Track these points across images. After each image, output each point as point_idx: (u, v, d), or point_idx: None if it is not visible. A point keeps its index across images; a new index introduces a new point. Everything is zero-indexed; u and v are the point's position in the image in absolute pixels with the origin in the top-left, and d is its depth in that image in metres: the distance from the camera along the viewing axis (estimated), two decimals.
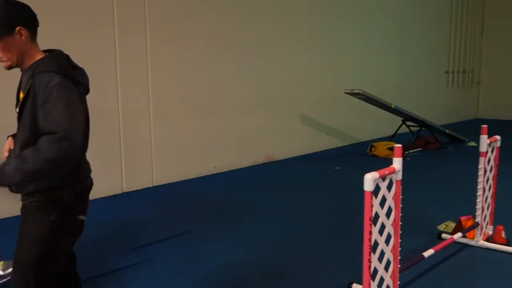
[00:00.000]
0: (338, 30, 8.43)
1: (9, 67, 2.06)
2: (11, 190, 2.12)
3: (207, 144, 6.45)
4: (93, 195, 5.55)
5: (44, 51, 2.12)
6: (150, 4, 5.61)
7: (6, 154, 2.19)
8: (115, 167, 5.45)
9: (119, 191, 5.50)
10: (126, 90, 5.47)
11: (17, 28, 1.98)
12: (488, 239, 3.90)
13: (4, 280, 2.55)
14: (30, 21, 2.05)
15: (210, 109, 6.44)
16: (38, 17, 2.15)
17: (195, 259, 3.66)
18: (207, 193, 5.60)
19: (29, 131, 1.96)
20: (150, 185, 5.82)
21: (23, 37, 2.01)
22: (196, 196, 5.48)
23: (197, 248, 3.86)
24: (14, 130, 2.17)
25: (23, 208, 2.13)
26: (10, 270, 2.54)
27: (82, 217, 2.25)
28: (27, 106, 1.97)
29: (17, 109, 2.03)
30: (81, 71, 2.21)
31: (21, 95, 2.03)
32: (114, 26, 5.30)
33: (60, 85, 1.93)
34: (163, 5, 5.75)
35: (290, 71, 7.55)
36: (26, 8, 2.05)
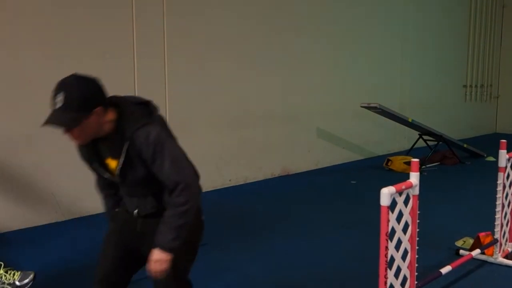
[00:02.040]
0: (356, 43, 8.44)
1: (82, 143, 2.02)
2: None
3: (222, 156, 6.47)
4: None
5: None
6: (168, 14, 5.70)
7: None
8: None
9: None
10: None
11: (96, 109, 1.87)
12: (508, 256, 3.83)
13: None
14: (104, 96, 1.94)
15: (225, 122, 6.47)
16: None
17: (213, 272, 3.66)
18: (224, 206, 5.60)
19: (156, 180, 2.04)
20: None
21: (100, 116, 1.91)
22: (213, 209, 5.47)
23: (215, 261, 3.86)
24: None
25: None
26: (26, 281, 2.56)
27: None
28: (132, 167, 2.00)
29: (117, 175, 2.04)
30: (153, 104, 2.17)
31: (112, 163, 2.06)
32: (133, 35, 5.39)
33: (157, 135, 2.00)
34: (181, 14, 5.83)
35: (306, 84, 7.57)
36: (98, 83, 1.95)
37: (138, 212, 2.17)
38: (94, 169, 2.15)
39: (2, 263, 2.66)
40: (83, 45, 4.99)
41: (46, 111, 1.67)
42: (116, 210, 2.32)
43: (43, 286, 3.28)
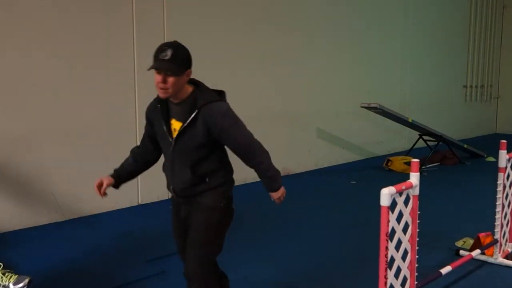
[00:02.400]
0: (356, 44, 8.44)
1: (166, 97, 2.38)
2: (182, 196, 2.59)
3: None
4: (110, 206, 5.64)
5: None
6: (168, 12, 5.70)
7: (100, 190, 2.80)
8: None
9: (135, 203, 5.55)
10: (143, 103, 5.54)
11: (188, 71, 2.38)
12: (508, 256, 3.83)
13: None
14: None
15: None
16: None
17: None
18: None
19: (201, 153, 2.45)
20: (166, 198, 5.86)
21: (187, 77, 2.39)
22: None
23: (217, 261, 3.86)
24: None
25: (194, 198, 2.52)
26: (20, 285, 2.56)
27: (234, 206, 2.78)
28: (190, 134, 2.39)
29: (176, 136, 2.41)
30: (225, 93, 2.68)
31: (176, 124, 2.42)
32: (133, 36, 5.39)
33: (229, 109, 2.51)
34: (182, 13, 5.83)
35: (306, 84, 7.57)
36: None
37: (173, 188, 2.56)
38: (158, 125, 2.47)
39: (1, 264, 2.66)
40: (84, 45, 4.99)
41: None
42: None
43: (43, 287, 3.28)
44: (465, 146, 8.74)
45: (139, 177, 5.79)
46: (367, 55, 8.73)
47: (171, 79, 2.29)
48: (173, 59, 2.28)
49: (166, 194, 5.86)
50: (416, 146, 8.56)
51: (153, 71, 2.30)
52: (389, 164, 7.75)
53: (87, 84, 5.07)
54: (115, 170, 2.81)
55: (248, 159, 2.59)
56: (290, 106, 7.36)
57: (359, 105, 7.67)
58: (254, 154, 2.58)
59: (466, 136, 11.37)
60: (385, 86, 9.15)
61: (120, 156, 5.93)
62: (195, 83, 2.49)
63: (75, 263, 3.81)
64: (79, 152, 5.04)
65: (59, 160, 4.90)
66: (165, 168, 2.62)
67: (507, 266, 3.71)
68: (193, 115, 2.36)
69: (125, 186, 5.68)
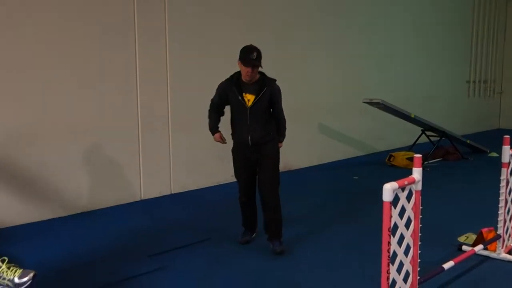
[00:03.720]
0: (358, 39, 8.41)
1: (249, 81, 3.81)
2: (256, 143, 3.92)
3: (224, 152, 6.46)
4: (112, 202, 5.64)
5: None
6: (170, 10, 5.69)
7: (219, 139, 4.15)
8: (133, 174, 5.51)
9: (137, 199, 5.56)
10: (145, 99, 5.54)
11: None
12: (511, 251, 3.82)
13: None
14: None
15: (227, 118, 6.45)
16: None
17: (215, 266, 3.67)
18: (226, 201, 5.61)
19: (267, 115, 3.91)
20: (168, 193, 5.87)
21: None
22: (214, 204, 5.50)
23: (217, 256, 3.87)
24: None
25: (264, 144, 3.93)
26: (25, 279, 2.57)
27: None
28: (261, 102, 3.83)
29: (252, 104, 3.82)
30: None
31: (250, 97, 3.82)
32: (135, 31, 5.38)
33: (280, 89, 3.99)
34: (183, 11, 5.82)
35: (308, 79, 7.55)
36: None
37: (250, 138, 3.86)
38: (234, 97, 3.84)
39: (6, 258, 2.67)
40: (85, 43, 4.99)
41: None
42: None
43: (46, 281, 3.30)
44: (468, 141, 8.72)
45: (142, 173, 5.83)
46: (370, 50, 8.70)
47: (255, 70, 3.75)
48: (258, 58, 3.74)
49: (168, 189, 5.87)
50: (418, 142, 8.54)
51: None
52: (391, 159, 7.74)
53: (90, 80, 5.07)
54: (215, 126, 4.13)
55: (279, 122, 4.02)
56: (292, 101, 7.32)
57: (361, 101, 7.65)
58: (282, 121, 4.08)
59: (469, 131, 11.34)
60: (388, 82, 9.12)
61: (123, 151, 5.98)
62: (260, 72, 3.89)
63: (78, 257, 3.83)
64: (82, 147, 5.05)
65: (62, 155, 4.91)
66: (239, 125, 3.91)
67: (510, 261, 3.71)
68: (264, 90, 3.80)
69: (127, 182, 5.71)
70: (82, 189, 5.08)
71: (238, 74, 3.89)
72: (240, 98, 3.81)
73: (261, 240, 4.24)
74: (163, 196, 5.76)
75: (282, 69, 7.11)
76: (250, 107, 3.80)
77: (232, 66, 6.38)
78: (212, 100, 4.06)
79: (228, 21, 6.36)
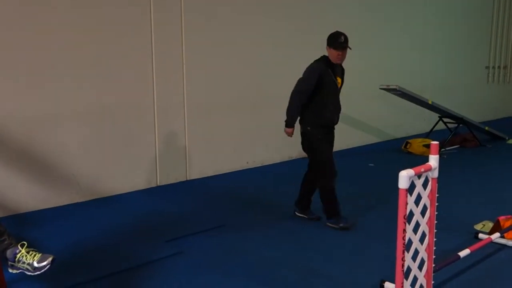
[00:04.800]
0: (376, 25, 8.29)
1: (339, 63, 4.24)
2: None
3: (240, 139, 6.49)
4: (129, 187, 5.70)
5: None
6: (186, 5, 5.68)
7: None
8: (150, 160, 5.56)
9: (153, 185, 5.62)
10: (161, 85, 5.57)
11: None
12: None
13: (38, 272, 2.65)
14: None
15: (243, 105, 6.47)
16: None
17: (230, 253, 3.70)
18: (241, 188, 5.64)
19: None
20: (184, 179, 5.92)
21: None
22: (230, 190, 5.53)
23: (233, 242, 3.91)
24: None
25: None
26: (44, 263, 2.63)
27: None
28: (343, 84, 4.37)
29: (339, 87, 4.30)
30: None
31: (339, 79, 4.28)
32: (151, 17, 5.39)
33: None
34: (199, 8, 5.80)
35: None
36: None
37: (337, 118, 4.31)
38: (329, 79, 4.15)
39: (25, 242, 2.73)
40: (102, 30, 5.02)
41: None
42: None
43: (64, 266, 3.38)
44: (486, 128, 8.59)
45: (158, 159, 5.88)
46: (387, 37, 8.57)
47: (345, 52, 4.16)
48: (346, 41, 4.10)
49: (184, 176, 5.92)
50: (435, 129, 8.44)
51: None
52: (408, 146, 7.67)
53: (108, 68, 5.10)
54: (296, 119, 4.30)
55: None
56: None
57: (378, 87, 7.57)
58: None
59: (488, 118, 11.15)
60: (405, 68, 8.99)
61: (139, 137, 6.03)
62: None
63: (96, 242, 3.90)
64: (99, 134, 5.11)
65: (80, 141, 4.97)
66: (329, 107, 4.19)
67: None
68: (343, 74, 4.37)
69: (144, 168, 5.77)
70: (99, 175, 5.15)
71: (326, 58, 4.20)
72: (334, 79, 4.16)
73: (274, 228, 4.27)
74: (179, 182, 5.82)
75: (297, 56, 7.06)
76: (339, 89, 4.29)
77: (247, 52, 6.39)
78: (303, 90, 4.16)
79: (245, 6, 6.32)
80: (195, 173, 6.00)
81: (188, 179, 5.94)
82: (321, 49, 7.91)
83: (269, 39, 6.66)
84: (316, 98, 4.15)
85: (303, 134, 4.33)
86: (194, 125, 5.92)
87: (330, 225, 4.21)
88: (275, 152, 6.93)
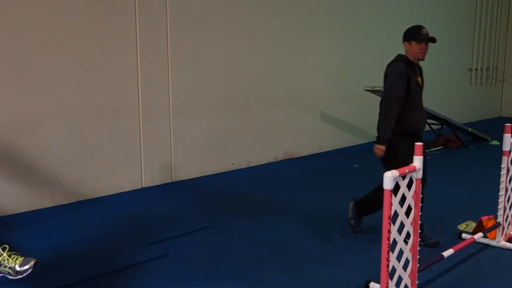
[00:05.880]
0: (360, 26, 8.35)
1: (423, 59, 3.81)
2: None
3: (226, 140, 6.48)
4: (114, 189, 5.64)
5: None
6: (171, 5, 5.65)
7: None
8: (135, 162, 5.52)
9: (138, 186, 5.57)
10: (146, 85, 5.53)
11: None
12: (510, 239, 3.84)
13: (20, 276, 2.60)
14: None
15: (229, 106, 6.46)
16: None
17: (216, 254, 3.69)
18: (227, 189, 5.63)
19: None
20: (169, 181, 5.88)
21: None
22: (216, 192, 5.51)
23: (218, 243, 3.89)
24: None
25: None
26: (26, 267, 2.59)
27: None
28: (423, 84, 3.85)
29: (421, 88, 3.83)
30: None
31: (419, 79, 3.81)
32: (136, 18, 5.35)
33: None
34: (184, 4, 5.78)
35: (310, 67, 7.52)
36: None
37: (422, 126, 3.83)
38: (414, 81, 3.71)
39: (7, 246, 2.69)
40: (85, 30, 4.96)
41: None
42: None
43: (47, 269, 3.33)
44: (469, 129, 8.70)
45: (143, 160, 5.83)
46: (372, 38, 8.64)
47: (428, 46, 3.73)
48: (428, 33, 3.73)
49: (170, 177, 5.89)
50: None
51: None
52: None
53: (92, 67, 5.05)
54: (389, 136, 3.74)
55: None
56: (294, 89, 7.33)
57: (363, 88, 7.63)
58: None
59: (471, 119, 11.30)
60: None
61: (124, 138, 5.98)
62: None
63: (80, 245, 3.85)
64: (83, 135, 5.05)
65: (63, 143, 4.91)
66: (414, 112, 3.72)
67: (509, 249, 3.73)
68: (421, 73, 3.87)
69: (128, 170, 5.72)
70: (83, 177, 5.09)
71: (403, 57, 3.80)
72: (416, 80, 3.74)
73: (260, 229, 4.26)
74: (165, 184, 5.78)
75: (284, 58, 7.08)
76: (421, 89, 3.84)
77: (233, 53, 6.38)
78: (395, 97, 3.68)
79: (230, 7, 6.31)
80: (180, 175, 5.97)
81: (173, 180, 5.90)
82: (306, 50, 7.90)
83: (256, 41, 6.67)
84: (405, 102, 3.71)
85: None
86: (179, 126, 5.89)
87: (352, 222, 4.01)
88: (261, 153, 6.93)
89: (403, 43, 3.83)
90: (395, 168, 3.34)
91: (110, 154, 5.28)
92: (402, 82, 3.67)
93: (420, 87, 3.80)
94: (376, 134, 3.85)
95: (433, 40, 3.73)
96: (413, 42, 3.73)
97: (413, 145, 3.41)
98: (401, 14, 9.31)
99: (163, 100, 5.73)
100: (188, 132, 6.00)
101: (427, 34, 3.73)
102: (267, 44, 6.82)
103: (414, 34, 3.74)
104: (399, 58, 3.81)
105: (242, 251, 3.74)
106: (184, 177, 6.01)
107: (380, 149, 3.70)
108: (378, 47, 8.80)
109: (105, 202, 5.05)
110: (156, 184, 5.71)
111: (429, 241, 3.77)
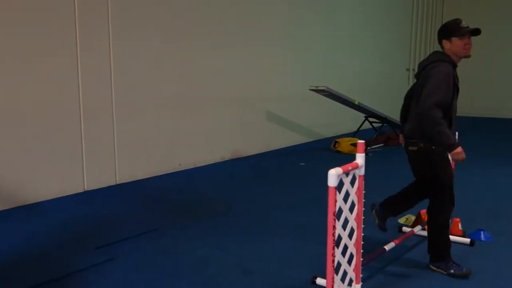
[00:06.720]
0: (305, 27, 8.51)
1: (470, 55, 3.25)
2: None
3: (172, 140, 6.40)
4: (55, 193, 5.43)
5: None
6: (113, 7, 5.50)
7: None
8: (76, 164, 5.33)
9: (80, 190, 5.39)
10: (87, 85, 5.35)
11: None
12: None
13: None
14: None
15: (175, 105, 6.39)
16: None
17: (164, 256, 3.64)
18: (173, 190, 5.56)
19: None
20: (113, 183, 5.73)
21: None
22: (162, 193, 5.43)
23: (166, 245, 3.84)
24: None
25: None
26: None
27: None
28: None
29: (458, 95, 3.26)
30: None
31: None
32: (75, 15, 5.16)
33: None
34: (127, 6, 5.64)
35: (256, 67, 7.58)
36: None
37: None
38: (458, 84, 3.22)
39: None
40: (26, 28, 4.74)
41: None
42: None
43: None
44: None
45: (85, 163, 5.64)
46: (317, 40, 8.83)
47: (471, 40, 3.21)
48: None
49: (114, 180, 5.74)
50: (362, 128, 8.81)
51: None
52: (336, 145, 7.94)
53: (27, 69, 4.82)
54: (454, 138, 3.18)
55: None
56: (241, 89, 7.35)
57: (308, 88, 7.78)
58: None
59: None
60: (334, 70, 9.31)
61: (64, 140, 5.76)
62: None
63: (20, 253, 3.67)
64: (21, 138, 4.81)
65: (0, 146, 4.67)
66: (453, 119, 3.25)
67: None
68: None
69: (70, 173, 5.51)
70: (23, 182, 4.86)
71: (447, 57, 3.24)
72: (458, 86, 3.24)
73: (208, 229, 4.25)
74: (109, 187, 5.62)
75: (229, 57, 7.09)
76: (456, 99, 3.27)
77: (179, 52, 6.30)
78: (438, 104, 3.07)
79: (175, 4, 6.23)
80: (125, 177, 5.83)
81: (118, 182, 5.76)
82: (253, 50, 7.94)
83: (203, 40, 6.63)
84: (448, 108, 3.21)
85: (417, 152, 3.31)
86: (123, 126, 5.75)
87: (436, 269, 3.34)
88: (208, 153, 6.91)
89: (441, 42, 3.28)
90: (441, 181, 3.22)
91: (50, 157, 5.08)
92: (450, 86, 3.13)
93: (459, 91, 3.27)
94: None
95: (477, 31, 3.19)
96: (453, 39, 3.19)
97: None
98: (344, 18, 9.58)
99: (106, 99, 5.57)
100: (133, 132, 5.87)
101: (468, 26, 3.19)
102: (214, 45, 6.80)
103: (455, 29, 3.19)
104: (443, 58, 3.22)
105: (190, 253, 3.71)
106: (130, 179, 5.87)
107: (458, 153, 3.08)
108: (322, 48, 9.01)
109: (46, 207, 4.85)
110: (100, 187, 5.54)
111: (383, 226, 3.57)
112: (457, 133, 3.26)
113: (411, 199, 3.60)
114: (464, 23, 3.19)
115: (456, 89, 3.21)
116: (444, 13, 13.55)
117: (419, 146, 3.26)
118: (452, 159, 3.17)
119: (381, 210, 3.57)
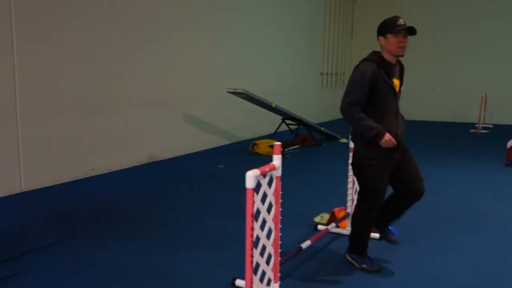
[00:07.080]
0: (223, 30, 8.52)
1: (403, 54, 3.22)
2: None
3: (84, 144, 6.09)
4: None
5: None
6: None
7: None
8: None
9: None
10: (24, 85, 4.93)
11: None
12: None
13: None
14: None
15: (87, 107, 6.08)
16: None
17: (75, 267, 3.43)
18: (86, 197, 5.29)
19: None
20: (18, 191, 5.33)
21: None
22: (72, 201, 5.14)
23: (78, 256, 3.63)
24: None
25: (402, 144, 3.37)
26: None
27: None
28: (402, 86, 3.34)
29: (398, 91, 3.29)
30: None
31: (396, 81, 3.26)
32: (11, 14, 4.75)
33: None
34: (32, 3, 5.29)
35: (172, 69, 7.45)
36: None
37: (400, 132, 3.26)
38: (387, 83, 3.20)
39: None
40: None
41: None
42: None
43: None
44: (322, 129, 9.46)
45: None
46: (234, 43, 8.88)
47: (406, 39, 3.19)
48: (405, 24, 3.18)
49: (19, 187, 5.34)
50: (280, 130, 9.01)
51: None
52: (254, 147, 8.04)
53: None
54: (378, 125, 3.18)
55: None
56: (156, 91, 7.19)
57: (226, 90, 7.80)
58: None
59: (323, 119, 12.30)
60: (251, 73, 9.43)
61: None
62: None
63: None
64: None
65: None
66: (386, 120, 3.22)
67: None
68: (403, 72, 3.35)
69: None
70: None
71: (377, 55, 3.24)
72: (390, 83, 3.20)
73: (122, 237, 4.09)
74: (12, 195, 5.21)
75: (145, 58, 6.90)
76: (397, 94, 3.27)
77: (93, 51, 6.01)
78: (352, 102, 3.15)
79: (90, 5, 5.94)
80: (31, 184, 5.44)
81: (23, 190, 5.36)
82: (169, 52, 7.81)
83: (116, 42, 6.38)
84: (368, 109, 3.20)
85: (353, 157, 3.40)
86: (29, 130, 5.37)
87: (350, 259, 3.48)
88: (123, 157, 6.66)
89: (378, 38, 3.26)
90: (366, 184, 3.24)
91: None
92: (362, 86, 3.16)
93: (394, 90, 3.24)
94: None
95: (412, 31, 3.16)
96: (389, 36, 3.17)
97: (387, 158, 3.19)
98: (262, 24, 9.74)
99: (8, 101, 5.16)
100: (40, 136, 5.50)
101: (404, 24, 3.17)
102: (127, 45, 6.58)
103: (390, 26, 3.17)
104: (370, 57, 3.26)
105: (104, 261, 3.55)
106: (37, 186, 5.49)
107: (386, 140, 3.14)
108: (239, 51, 9.08)
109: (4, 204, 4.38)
110: (2, 196, 5.12)
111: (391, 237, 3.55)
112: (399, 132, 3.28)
113: (400, 205, 3.46)
114: (401, 21, 3.17)
115: (384, 89, 3.18)
116: (354, 19, 14.29)
117: (355, 151, 3.37)
118: (384, 147, 3.17)
119: (378, 225, 3.52)
